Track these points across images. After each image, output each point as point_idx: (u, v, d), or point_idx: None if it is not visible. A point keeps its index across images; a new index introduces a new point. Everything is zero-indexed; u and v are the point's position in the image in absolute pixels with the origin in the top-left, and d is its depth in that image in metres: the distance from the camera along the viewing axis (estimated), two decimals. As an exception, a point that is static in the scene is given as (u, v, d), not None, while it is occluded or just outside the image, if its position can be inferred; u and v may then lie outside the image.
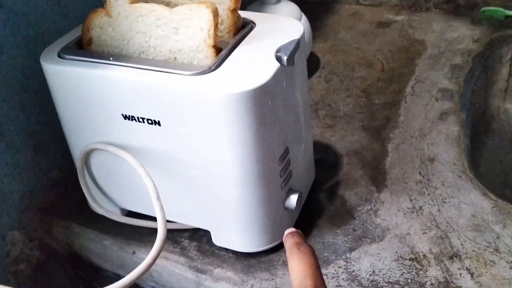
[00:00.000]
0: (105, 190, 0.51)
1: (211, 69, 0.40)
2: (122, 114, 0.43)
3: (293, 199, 0.47)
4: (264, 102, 0.40)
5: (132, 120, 0.43)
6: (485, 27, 0.81)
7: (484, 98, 0.77)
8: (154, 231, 0.52)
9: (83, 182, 0.50)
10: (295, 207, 0.47)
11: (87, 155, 0.48)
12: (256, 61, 0.41)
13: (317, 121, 0.67)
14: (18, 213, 0.56)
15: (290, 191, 0.48)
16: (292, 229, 0.38)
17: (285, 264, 0.48)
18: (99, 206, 0.51)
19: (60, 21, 0.55)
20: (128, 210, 0.53)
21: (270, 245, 0.49)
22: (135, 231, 0.53)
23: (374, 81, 0.73)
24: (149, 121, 0.42)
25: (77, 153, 0.49)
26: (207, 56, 0.42)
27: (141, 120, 0.43)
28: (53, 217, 0.57)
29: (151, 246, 0.51)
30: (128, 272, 0.55)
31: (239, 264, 0.49)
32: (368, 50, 0.80)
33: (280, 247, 0.50)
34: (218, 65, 0.41)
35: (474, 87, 0.71)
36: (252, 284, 0.47)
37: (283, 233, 0.49)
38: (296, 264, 0.33)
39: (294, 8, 0.70)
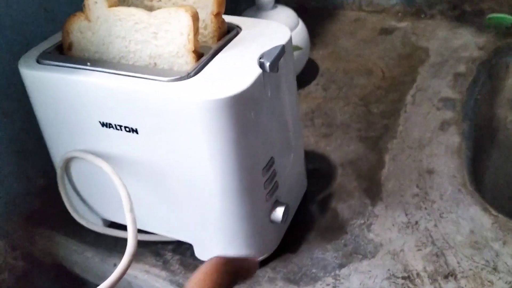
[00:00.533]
0: (86, 199, 0.50)
1: (189, 75, 0.38)
2: (100, 121, 0.42)
3: (279, 212, 0.45)
4: (245, 110, 0.38)
5: (109, 127, 0.42)
6: (491, 35, 0.78)
7: (489, 107, 0.74)
8: (137, 243, 0.51)
9: (63, 191, 0.48)
10: (281, 220, 0.45)
11: (67, 163, 0.47)
12: (238, 67, 0.39)
13: (313, 129, 0.64)
14: (1, 221, 0.54)
15: (277, 203, 0.45)
16: None
17: (270, 280, 0.46)
18: (80, 216, 0.49)
19: (46, 26, 0.53)
20: (111, 221, 0.51)
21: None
22: (117, 242, 0.51)
23: (373, 89, 0.71)
24: (127, 129, 0.41)
25: (57, 161, 0.47)
26: (187, 61, 0.40)
27: (118, 127, 0.41)
28: (36, 226, 0.56)
29: (135, 260, 0.50)
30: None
31: (222, 279, 0.47)
32: (369, 58, 0.78)
33: (266, 261, 0.47)
34: (198, 71, 0.39)
35: (478, 96, 0.68)
36: (234, 301, 0.45)
37: (270, 247, 0.47)
38: None
39: (291, 13, 0.68)
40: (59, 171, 0.47)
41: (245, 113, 0.38)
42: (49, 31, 0.53)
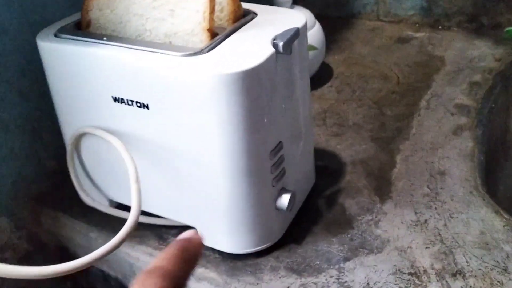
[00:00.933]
0: (94, 179, 0.50)
1: (203, 51, 0.39)
2: (112, 97, 0.42)
3: (284, 199, 0.44)
4: (256, 87, 0.38)
5: (121, 102, 0.42)
6: (508, 47, 0.78)
7: (503, 120, 0.73)
8: (142, 225, 0.50)
9: (71, 168, 0.48)
10: (286, 208, 0.44)
11: (78, 140, 0.47)
12: (251, 46, 0.39)
13: (324, 129, 0.64)
14: (8, 199, 0.54)
15: (283, 190, 0.45)
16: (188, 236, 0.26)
17: (272, 269, 0.45)
18: (87, 194, 0.49)
19: (66, 7, 0.54)
20: (118, 203, 0.51)
21: (259, 248, 0.46)
22: (122, 224, 0.51)
23: (387, 94, 0.70)
24: (138, 104, 0.41)
25: (68, 137, 0.47)
26: (201, 40, 0.40)
27: (130, 103, 0.41)
28: (43, 208, 0.56)
29: (138, 242, 0.50)
30: (112, 269, 0.53)
31: (224, 266, 0.46)
32: (384, 64, 0.77)
33: (270, 250, 0.47)
34: (211, 48, 0.39)
35: (493, 105, 0.67)
36: (235, 287, 0.44)
37: (275, 236, 0.47)
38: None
39: (308, 14, 0.69)
40: (69, 148, 0.47)
41: (256, 90, 0.38)
42: (69, 13, 0.55)
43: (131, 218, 0.37)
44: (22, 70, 0.52)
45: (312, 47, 0.67)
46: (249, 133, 0.39)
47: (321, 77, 0.75)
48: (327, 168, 0.57)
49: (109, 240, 0.50)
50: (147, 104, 0.40)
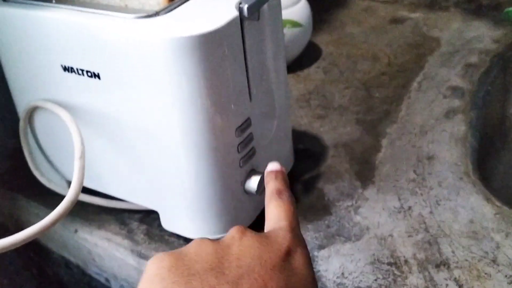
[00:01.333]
0: (50, 158, 0.46)
1: (159, 14, 0.35)
2: (62, 65, 0.38)
3: (254, 181, 0.40)
4: (216, 53, 0.34)
5: (71, 72, 0.38)
6: (508, 28, 0.73)
7: (501, 105, 0.68)
8: (102, 209, 0.47)
9: (25, 145, 0.44)
10: (256, 191, 0.40)
11: (30, 114, 0.43)
12: (214, 9, 0.35)
13: (307, 110, 0.60)
14: (-36, 180, 0.51)
15: (252, 172, 0.41)
16: (276, 166, 0.33)
17: (240, 257, 0.41)
18: (42, 174, 0.46)
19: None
20: (78, 185, 0.47)
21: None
22: (82, 208, 0.47)
23: (377, 75, 0.66)
24: (89, 74, 0.37)
25: (21, 111, 0.44)
26: (159, 2, 0.36)
27: (80, 72, 0.37)
28: (2, 189, 0.52)
29: (96, 226, 0.46)
30: (72, 255, 0.49)
31: (188, 253, 0.42)
32: (375, 45, 0.73)
33: (239, 238, 0.43)
34: (169, 10, 0.35)
35: (490, 88, 0.63)
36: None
37: (245, 222, 0.43)
38: (274, 209, 0.29)
39: (293, -11, 0.65)
40: (21, 123, 0.44)
41: (217, 57, 0.34)
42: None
43: (68, 195, 0.33)
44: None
45: (296, 23, 0.63)
46: (210, 106, 0.35)
47: (308, 57, 0.71)
48: (308, 151, 0.53)
49: (67, 224, 0.47)
50: (98, 74, 0.37)
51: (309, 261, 0.26)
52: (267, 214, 0.30)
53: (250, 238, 0.25)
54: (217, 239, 0.26)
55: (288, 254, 0.25)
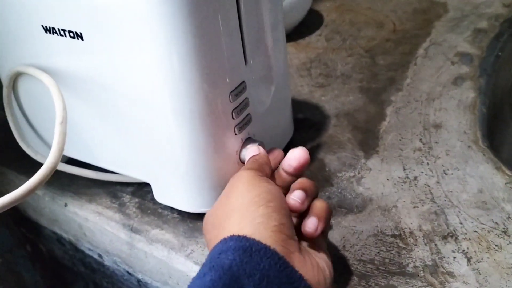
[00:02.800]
0: (37, 129, 0.44)
1: (143, -33, 0.32)
2: (43, 26, 0.35)
3: (250, 150, 0.38)
4: (207, 8, 0.31)
5: (53, 33, 0.35)
6: (520, -8, 0.70)
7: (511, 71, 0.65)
8: (93, 182, 0.45)
9: (10, 115, 0.42)
10: (252, 160, 0.38)
11: (13, 81, 0.41)
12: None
13: (309, 79, 0.57)
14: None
15: (249, 141, 0.39)
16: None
17: (236, 229, 0.39)
18: (28, 146, 0.43)
19: None
20: (68, 157, 0.45)
21: (221, 206, 0.40)
22: (72, 181, 0.45)
23: (381, 42, 0.63)
24: (71, 34, 0.34)
25: (4, 78, 0.41)
26: (145, -45, 0.33)
27: (62, 33, 0.35)
28: (-10, 163, 0.50)
29: (87, 200, 0.44)
30: (63, 230, 0.47)
31: (182, 227, 0.40)
32: (380, 11, 0.70)
33: (235, 210, 0.41)
34: (154, -36, 0.32)
35: (500, 54, 0.60)
36: (192, 250, 0.38)
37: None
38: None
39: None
40: (5, 91, 0.41)
41: (207, 14, 0.31)
42: None
43: (47, 162, 0.31)
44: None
45: (296, -12, 0.60)
46: (201, 66, 0.33)
47: (309, 25, 0.68)
48: (308, 120, 0.51)
49: (56, 198, 0.45)
50: (80, 34, 0.34)
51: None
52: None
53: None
54: None
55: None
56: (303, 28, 0.67)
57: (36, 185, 0.29)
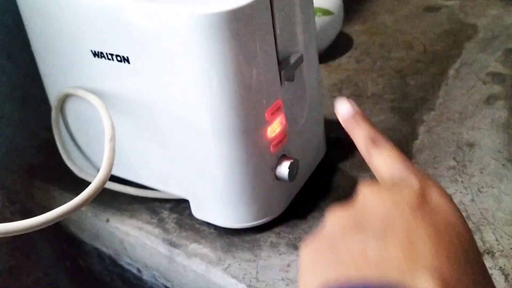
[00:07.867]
0: (82, 147, 0.46)
1: (186, -6, 0.34)
2: (92, 51, 0.38)
3: (285, 167, 0.39)
4: (246, 31, 0.33)
5: (101, 57, 0.38)
6: (551, 12, 0.70)
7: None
8: (134, 198, 0.47)
9: (57, 134, 0.45)
10: (287, 177, 0.39)
11: (62, 103, 0.44)
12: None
13: (340, 100, 0.58)
14: (0, 171, 0.52)
15: (283, 158, 0.40)
16: (347, 108, 0.29)
17: (272, 245, 0.40)
18: (73, 163, 0.46)
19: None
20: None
21: (257, 222, 0.41)
22: (114, 197, 0.47)
23: (412, 63, 0.64)
24: (118, 58, 0.37)
25: (52, 100, 0.44)
26: (187, -17, 0.36)
27: (110, 57, 0.37)
28: (35, 180, 0.53)
29: (128, 215, 0.46)
30: (104, 245, 0.49)
31: (219, 241, 0.41)
32: (409, 33, 0.71)
33: (271, 226, 0.42)
34: (196, -10, 0.35)
35: (533, 73, 0.60)
36: (229, 264, 0.39)
37: (276, 209, 0.42)
38: (378, 161, 0.26)
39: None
40: (53, 112, 0.44)
41: (245, 37, 0.33)
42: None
43: (98, 177, 0.33)
44: (9, 32, 0.49)
45: (327, 11, 0.61)
46: (240, 87, 0.34)
47: (339, 47, 0.69)
48: (340, 140, 0.52)
49: (99, 214, 0.47)
50: (127, 57, 0.36)
51: (447, 197, 0.23)
52: (375, 170, 0.27)
53: (378, 192, 0.23)
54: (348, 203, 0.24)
55: (422, 194, 0.22)
56: (333, 50, 0.68)
57: (86, 199, 0.31)
